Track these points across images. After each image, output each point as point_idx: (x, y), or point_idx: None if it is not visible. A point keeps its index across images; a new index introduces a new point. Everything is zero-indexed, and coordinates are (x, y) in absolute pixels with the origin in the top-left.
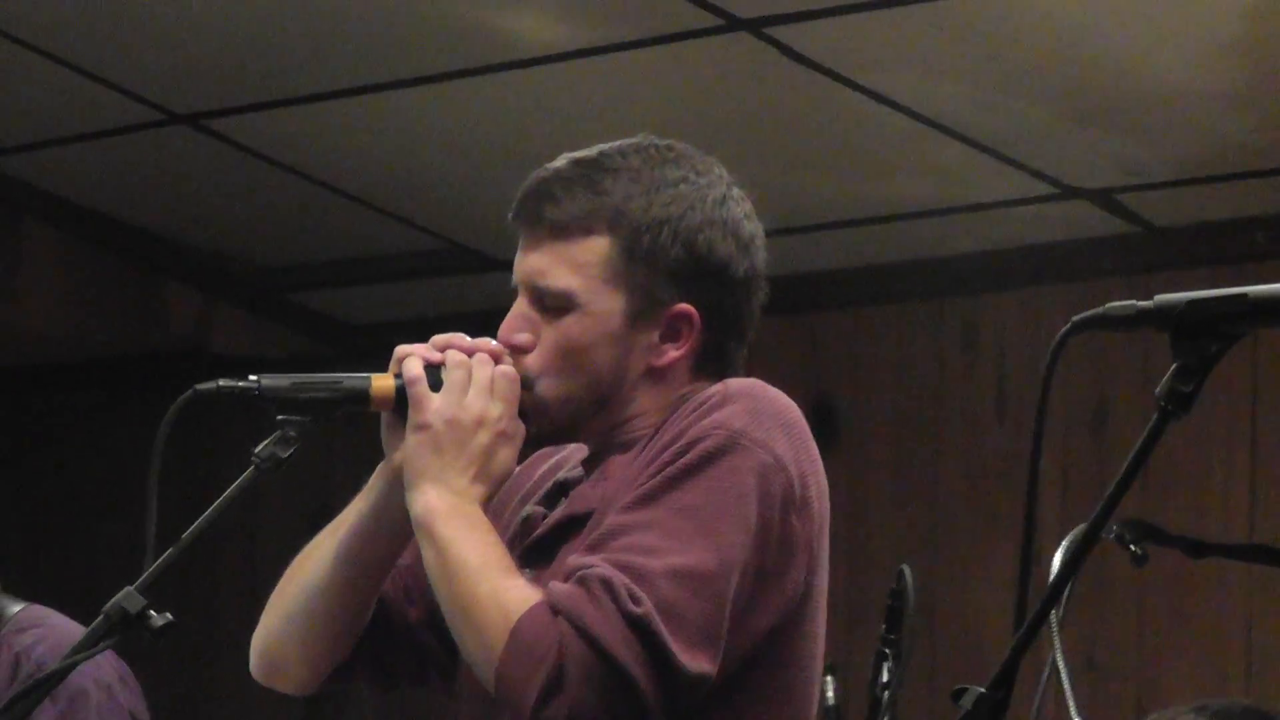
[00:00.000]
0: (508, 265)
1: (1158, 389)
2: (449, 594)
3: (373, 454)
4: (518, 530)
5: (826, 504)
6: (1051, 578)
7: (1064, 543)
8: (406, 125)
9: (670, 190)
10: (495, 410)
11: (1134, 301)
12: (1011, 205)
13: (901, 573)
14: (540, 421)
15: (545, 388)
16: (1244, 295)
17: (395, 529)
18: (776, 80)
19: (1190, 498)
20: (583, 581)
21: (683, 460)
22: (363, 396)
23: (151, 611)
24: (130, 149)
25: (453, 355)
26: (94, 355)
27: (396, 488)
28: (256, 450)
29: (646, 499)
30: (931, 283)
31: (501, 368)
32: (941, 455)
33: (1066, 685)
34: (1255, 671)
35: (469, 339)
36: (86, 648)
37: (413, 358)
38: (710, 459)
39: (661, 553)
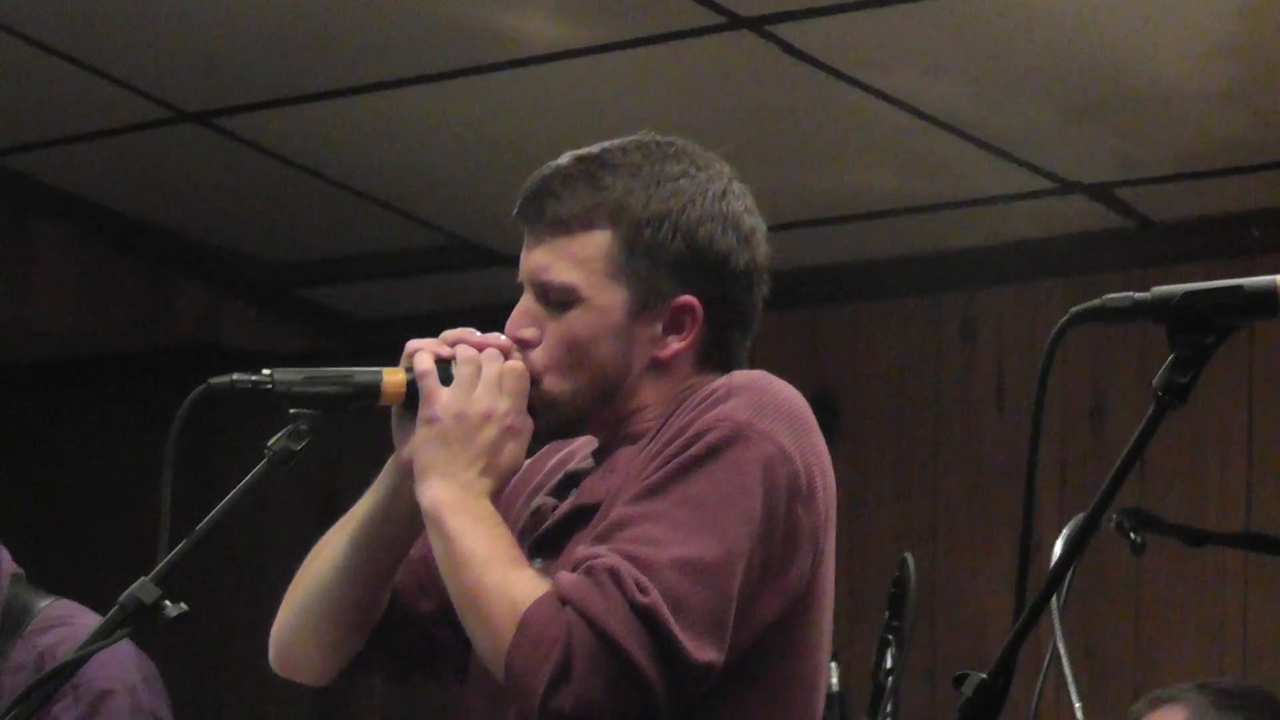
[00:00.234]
0: (513, 260)
1: (1155, 380)
2: (458, 585)
3: (382, 447)
4: (528, 522)
5: (833, 495)
6: (1052, 565)
7: (1064, 531)
8: (414, 123)
9: (671, 185)
10: (503, 405)
11: (1131, 293)
12: (1010, 200)
13: (904, 561)
14: (548, 415)
15: (551, 382)
16: (1239, 288)
17: (406, 521)
18: (778, 77)
19: (1187, 487)
20: (590, 572)
21: (689, 452)
22: (374, 390)
23: (166, 602)
24: (140, 147)
25: (463, 350)
26: (104, 351)
27: (407, 481)
28: (270, 443)
29: (653, 491)
30: (930, 277)
31: (510, 363)
32: (941, 448)
33: (1068, 670)
34: (1252, 659)
35: (479, 334)
36: (102, 638)
37: (423, 352)
38: (716, 451)
39: (668, 544)
